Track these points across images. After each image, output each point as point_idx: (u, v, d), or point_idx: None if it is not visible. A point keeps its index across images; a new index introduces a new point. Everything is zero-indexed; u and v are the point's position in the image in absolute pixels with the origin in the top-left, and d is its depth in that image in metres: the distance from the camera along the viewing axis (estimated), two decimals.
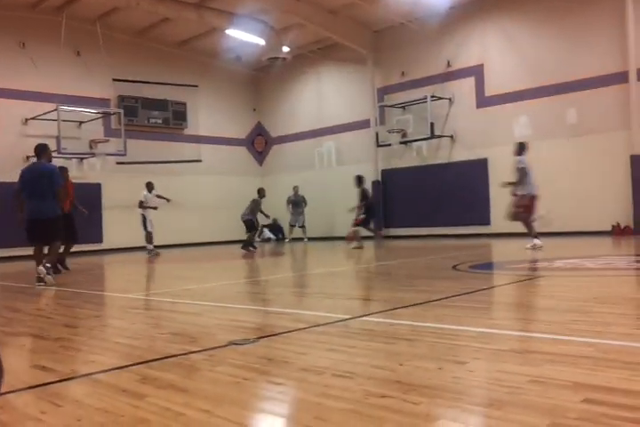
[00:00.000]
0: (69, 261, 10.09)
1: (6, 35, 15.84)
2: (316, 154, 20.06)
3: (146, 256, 13.99)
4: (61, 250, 8.96)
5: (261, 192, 14.52)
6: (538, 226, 10.65)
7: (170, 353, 3.22)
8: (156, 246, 14.36)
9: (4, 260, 15.05)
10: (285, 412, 2.25)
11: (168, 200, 14.97)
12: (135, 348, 3.50)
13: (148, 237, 14.52)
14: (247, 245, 14.04)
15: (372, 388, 2.37)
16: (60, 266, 9.53)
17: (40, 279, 7.42)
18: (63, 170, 8.77)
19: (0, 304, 6.07)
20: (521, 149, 10.55)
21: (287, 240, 18.85)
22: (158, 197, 14.78)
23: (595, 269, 6.80)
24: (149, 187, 14.76)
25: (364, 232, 13.67)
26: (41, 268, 7.48)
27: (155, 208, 14.59)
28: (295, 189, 18.82)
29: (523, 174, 10.13)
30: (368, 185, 18.18)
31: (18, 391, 2.55)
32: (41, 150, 8.00)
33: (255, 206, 14.25)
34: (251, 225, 14.19)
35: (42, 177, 7.69)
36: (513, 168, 10.22)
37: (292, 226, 18.79)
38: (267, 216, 15.14)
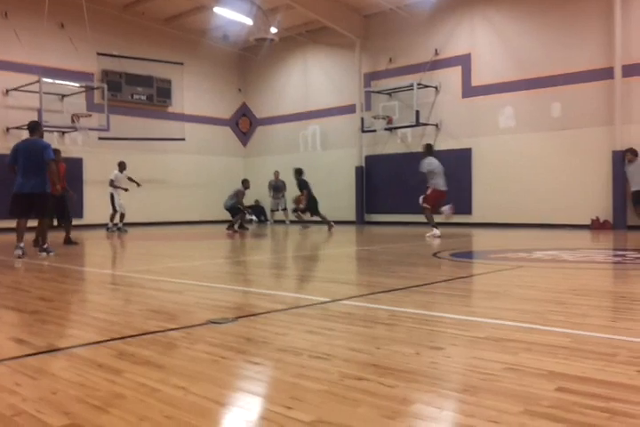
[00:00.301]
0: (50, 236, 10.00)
1: None
2: (301, 137, 20.00)
3: (111, 233, 14.18)
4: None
5: (245, 183, 14.62)
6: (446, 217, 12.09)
7: (148, 330, 3.21)
8: (135, 224, 14.28)
9: None
10: (262, 391, 2.25)
11: (138, 185, 15.00)
12: (113, 323, 3.49)
13: (114, 216, 14.71)
14: (231, 226, 14.14)
15: (349, 370, 2.39)
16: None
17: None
18: (56, 152, 8.80)
19: None
20: (427, 151, 11.86)
21: (269, 223, 18.86)
22: (129, 179, 14.81)
23: (573, 262, 6.89)
24: (121, 167, 14.79)
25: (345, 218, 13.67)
26: (18, 251, 7.79)
27: (125, 189, 14.71)
28: (276, 173, 18.77)
29: (428, 175, 11.48)
30: (352, 170, 18.27)
31: None
32: (34, 127, 8.23)
33: (239, 197, 14.34)
34: (236, 212, 14.34)
35: (36, 153, 7.88)
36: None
37: (272, 211, 18.81)
38: (247, 211, 15.18)
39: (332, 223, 14.70)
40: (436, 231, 11.33)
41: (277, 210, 18.65)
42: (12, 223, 8.18)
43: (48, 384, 2.26)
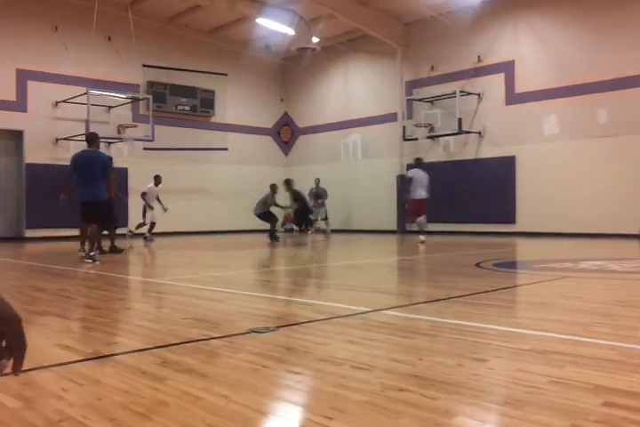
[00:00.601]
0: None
1: (40, 18, 16.02)
2: (342, 146, 20.03)
3: (149, 243, 14.22)
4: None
5: (273, 188, 14.48)
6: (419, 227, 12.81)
7: (191, 338, 3.25)
8: (179, 233, 14.42)
9: (30, 240, 15.31)
10: (302, 401, 2.25)
11: (165, 210, 14.60)
12: (157, 331, 3.54)
13: (142, 226, 14.60)
14: (271, 235, 14.16)
15: (390, 381, 2.37)
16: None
17: (91, 257, 8.33)
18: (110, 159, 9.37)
19: (25, 283, 6.17)
20: (415, 164, 12.87)
21: (310, 232, 18.80)
22: (157, 199, 14.63)
23: (620, 273, 6.71)
24: (157, 180, 14.60)
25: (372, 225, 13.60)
26: (84, 253, 8.49)
27: (151, 208, 14.51)
28: (316, 181, 18.74)
29: (410, 184, 12.44)
30: (393, 179, 18.17)
31: (41, 369, 2.59)
32: (94, 138, 8.72)
33: (265, 200, 14.30)
34: (266, 218, 14.25)
35: (96, 163, 8.39)
36: None
37: (320, 219, 18.63)
38: (282, 207, 15.14)
39: (329, 231, 14.64)
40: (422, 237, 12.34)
41: (318, 219, 18.60)
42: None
43: (93, 390, 2.30)
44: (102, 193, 8.47)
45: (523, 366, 2.60)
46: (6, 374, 1.17)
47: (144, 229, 14.73)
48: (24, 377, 2.42)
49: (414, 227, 12.49)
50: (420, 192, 12.26)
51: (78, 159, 8.47)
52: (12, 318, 1.15)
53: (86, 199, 8.37)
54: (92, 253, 8.39)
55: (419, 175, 12.36)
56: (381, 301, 4.81)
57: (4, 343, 1.15)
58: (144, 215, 14.67)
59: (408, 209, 12.47)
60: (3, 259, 10.00)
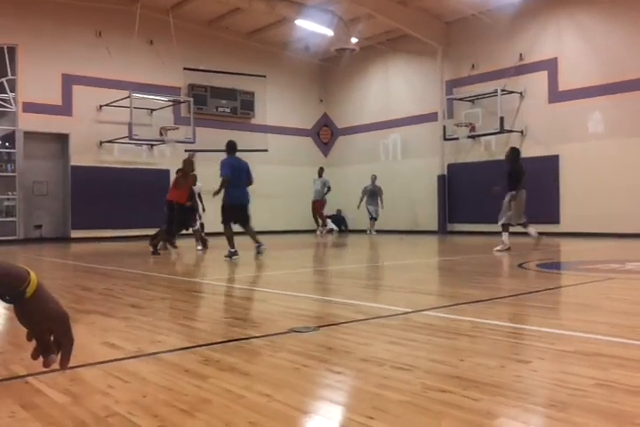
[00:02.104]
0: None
1: (84, 24, 16.38)
2: (382, 146, 19.97)
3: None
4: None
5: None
6: None
7: (232, 337, 3.28)
8: (220, 233, 14.33)
9: (75, 241, 15.67)
10: (343, 400, 2.26)
11: (204, 210, 13.53)
12: (199, 330, 3.59)
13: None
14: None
15: (432, 382, 2.36)
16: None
17: (234, 253, 8.97)
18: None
19: (72, 283, 6.32)
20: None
21: (369, 233, 18.30)
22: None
23: None
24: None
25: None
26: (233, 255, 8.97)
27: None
28: (373, 178, 18.29)
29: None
30: (433, 179, 18.03)
31: (87, 366, 2.66)
32: (234, 146, 9.56)
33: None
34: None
35: (242, 170, 9.21)
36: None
37: (372, 219, 18.21)
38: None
39: (373, 231, 14.47)
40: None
41: (374, 218, 18.20)
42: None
43: (138, 388, 2.35)
44: (248, 197, 9.40)
45: (567, 368, 2.56)
46: (55, 370, 1.21)
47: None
48: (72, 374, 2.49)
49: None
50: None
51: (233, 165, 9.15)
52: (60, 315, 1.20)
53: (237, 202, 9.16)
54: (233, 250, 9.03)
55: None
56: (422, 301, 4.78)
57: (52, 338, 1.20)
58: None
59: None
60: (50, 259, 10.27)
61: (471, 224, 17.13)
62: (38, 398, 2.21)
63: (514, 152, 10.57)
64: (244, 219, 9.43)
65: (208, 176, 15.57)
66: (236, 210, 9.21)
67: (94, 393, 2.26)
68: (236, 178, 9.09)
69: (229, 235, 9.17)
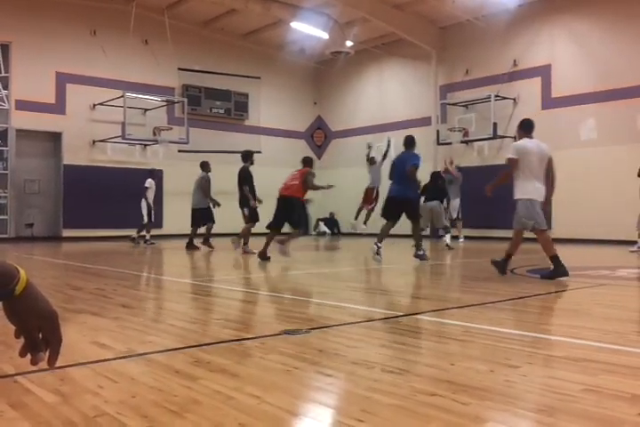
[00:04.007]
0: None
1: (78, 23, 16.34)
2: (376, 150, 19.95)
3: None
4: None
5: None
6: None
7: (223, 338, 3.28)
8: (212, 235, 14.39)
9: (67, 240, 15.61)
10: (333, 403, 2.26)
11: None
12: (190, 331, 3.58)
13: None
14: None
15: (422, 385, 2.37)
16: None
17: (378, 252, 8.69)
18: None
19: (62, 282, 6.30)
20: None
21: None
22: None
23: None
24: (152, 174, 14.51)
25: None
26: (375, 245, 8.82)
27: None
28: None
29: None
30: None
31: (77, 366, 2.65)
32: (413, 142, 9.56)
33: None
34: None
35: (401, 164, 9.01)
36: None
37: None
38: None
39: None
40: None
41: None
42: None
43: (128, 388, 2.35)
44: (412, 191, 9.12)
45: (556, 373, 2.57)
46: (44, 369, 1.21)
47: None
48: (61, 373, 2.48)
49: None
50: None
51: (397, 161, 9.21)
52: (49, 313, 1.22)
53: (393, 195, 8.90)
54: (420, 253, 8.91)
55: None
56: (414, 305, 4.79)
57: (40, 336, 1.21)
58: (150, 214, 14.11)
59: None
60: (41, 258, 10.22)
61: (464, 229, 17.16)
62: (27, 397, 2.20)
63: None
64: (407, 214, 9.17)
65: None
66: (392, 204, 9.04)
67: (84, 393, 2.26)
68: (395, 173, 9.11)
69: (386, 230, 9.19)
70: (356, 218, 15.10)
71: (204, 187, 12.60)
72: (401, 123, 19.09)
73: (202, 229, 12.62)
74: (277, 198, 9.75)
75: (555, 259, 6.44)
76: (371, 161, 15.23)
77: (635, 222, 11.52)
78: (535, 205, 6.70)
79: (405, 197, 8.79)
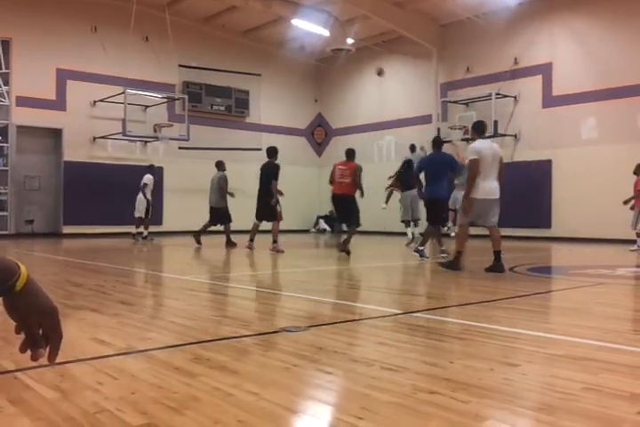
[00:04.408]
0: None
1: (79, 19, 16.31)
2: (376, 147, 19.97)
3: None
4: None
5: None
6: None
7: (223, 335, 3.29)
8: (213, 232, 14.37)
9: (67, 236, 15.61)
10: (332, 400, 2.26)
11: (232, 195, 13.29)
12: (189, 328, 3.58)
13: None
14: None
15: (421, 383, 2.36)
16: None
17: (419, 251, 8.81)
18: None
19: (63, 278, 6.30)
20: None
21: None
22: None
23: None
24: (151, 170, 14.58)
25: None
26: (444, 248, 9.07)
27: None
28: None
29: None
30: None
31: (77, 362, 2.65)
32: (441, 142, 9.44)
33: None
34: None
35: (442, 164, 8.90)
36: None
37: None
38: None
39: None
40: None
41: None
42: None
43: (128, 384, 2.35)
44: (448, 191, 9.37)
45: (556, 371, 2.57)
46: (44, 366, 1.21)
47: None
48: (61, 369, 2.48)
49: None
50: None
51: (431, 162, 9.09)
52: (50, 309, 1.22)
53: (433, 196, 8.88)
54: (420, 248, 8.87)
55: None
56: (414, 303, 4.79)
57: (40, 332, 1.21)
58: (148, 211, 14.24)
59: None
60: (41, 254, 10.22)
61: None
62: (27, 393, 2.20)
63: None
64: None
65: (201, 174, 15.58)
66: (431, 205, 9.04)
67: (83, 389, 2.26)
68: (432, 172, 9.02)
69: (437, 232, 9.24)
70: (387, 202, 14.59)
71: (223, 186, 12.61)
72: (401, 121, 19.09)
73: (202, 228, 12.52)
74: (332, 197, 9.65)
75: (459, 254, 7.34)
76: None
77: (630, 221, 11.55)
78: (477, 202, 7.07)
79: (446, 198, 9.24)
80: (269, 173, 10.60)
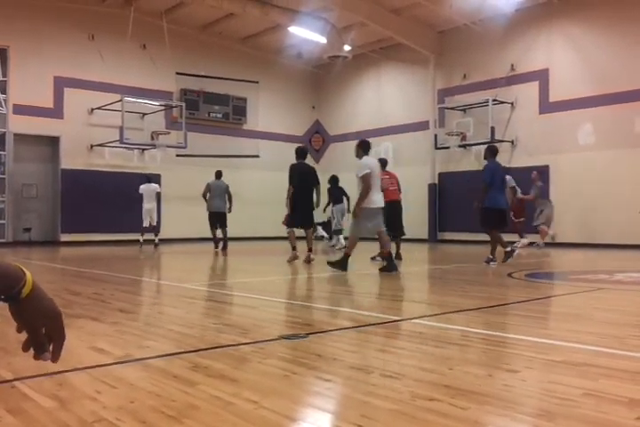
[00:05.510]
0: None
1: (76, 27, 16.36)
2: (374, 154, 19.95)
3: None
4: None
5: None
6: None
7: (221, 343, 3.28)
8: (210, 239, 14.37)
9: (65, 244, 15.58)
10: (332, 408, 2.26)
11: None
12: (188, 336, 3.57)
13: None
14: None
15: (420, 390, 2.36)
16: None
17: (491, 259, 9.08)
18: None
19: (60, 287, 6.28)
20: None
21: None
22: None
23: None
24: (149, 179, 14.77)
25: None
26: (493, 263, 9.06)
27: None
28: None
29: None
30: (425, 188, 18.08)
31: (75, 371, 2.63)
32: (495, 149, 9.97)
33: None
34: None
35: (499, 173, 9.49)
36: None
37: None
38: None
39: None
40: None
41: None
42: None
43: (126, 393, 2.34)
44: (505, 201, 9.77)
45: (555, 377, 2.57)
46: (42, 375, 1.21)
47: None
48: (59, 378, 2.47)
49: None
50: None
51: (496, 170, 9.50)
52: (55, 313, 1.28)
53: (492, 206, 9.24)
54: (490, 257, 9.11)
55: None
56: (412, 310, 4.78)
57: (43, 331, 1.24)
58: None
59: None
60: (39, 262, 10.20)
61: (461, 233, 17.17)
62: (25, 402, 2.19)
63: None
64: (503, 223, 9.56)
65: (199, 182, 15.59)
66: (494, 214, 9.32)
67: (81, 398, 2.25)
68: (497, 182, 9.41)
69: (498, 239, 9.31)
70: None
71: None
72: (399, 127, 19.12)
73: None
74: (388, 203, 9.26)
75: (389, 256, 8.11)
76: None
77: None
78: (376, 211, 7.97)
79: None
80: (314, 176, 10.06)
